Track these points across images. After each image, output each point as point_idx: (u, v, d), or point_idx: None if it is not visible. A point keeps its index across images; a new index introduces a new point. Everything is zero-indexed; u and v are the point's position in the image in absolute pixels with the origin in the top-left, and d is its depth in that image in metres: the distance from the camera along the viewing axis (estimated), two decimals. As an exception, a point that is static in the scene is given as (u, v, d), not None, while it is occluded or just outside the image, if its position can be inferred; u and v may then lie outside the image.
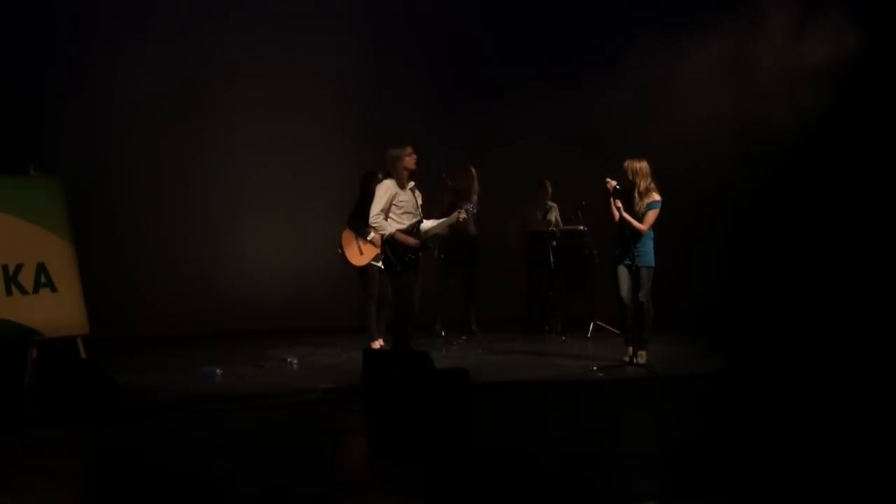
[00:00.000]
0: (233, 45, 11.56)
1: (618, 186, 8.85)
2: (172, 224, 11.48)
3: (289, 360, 9.36)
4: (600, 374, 8.73)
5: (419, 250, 8.51)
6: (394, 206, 8.43)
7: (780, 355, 9.70)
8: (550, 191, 11.54)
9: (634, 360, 8.85)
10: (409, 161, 8.51)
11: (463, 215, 8.74)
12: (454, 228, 9.54)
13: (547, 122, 12.37)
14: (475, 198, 10.65)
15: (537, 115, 12.36)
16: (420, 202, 8.66)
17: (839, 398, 7.67)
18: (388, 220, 8.43)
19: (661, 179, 11.39)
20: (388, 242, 8.40)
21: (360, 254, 9.67)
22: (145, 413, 7.28)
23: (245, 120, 11.71)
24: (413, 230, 8.48)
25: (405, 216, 8.47)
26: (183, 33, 11.33)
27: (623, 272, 9.00)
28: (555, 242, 11.22)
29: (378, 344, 9.72)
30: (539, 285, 11.43)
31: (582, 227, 10.99)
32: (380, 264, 9.42)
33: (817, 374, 8.63)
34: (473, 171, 10.89)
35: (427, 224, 8.63)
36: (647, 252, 8.89)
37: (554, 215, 11.48)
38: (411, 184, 8.59)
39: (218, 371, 8.76)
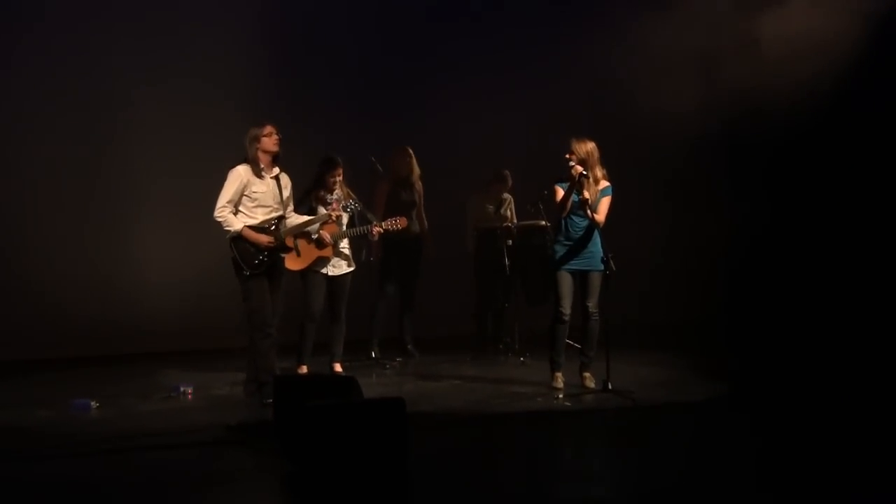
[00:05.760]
0: (126, 41, 11.62)
1: (584, 173, 8.93)
2: (41, 231, 11.43)
3: (182, 389, 9.33)
4: (567, 404, 8.81)
5: (275, 251, 8.65)
6: (245, 198, 8.63)
7: (789, 378, 9.83)
8: (511, 183, 11.62)
9: (608, 385, 8.92)
10: (268, 142, 8.67)
11: (378, 229, 9.47)
12: (394, 230, 9.82)
13: (498, 100, 12.49)
14: (419, 185, 10.85)
15: (486, 91, 12.49)
16: (288, 193, 8.87)
17: (856, 431, 7.77)
18: (239, 214, 8.61)
19: (636, 165, 11.54)
20: (235, 241, 8.59)
21: (298, 255, 9.58)
22: (1, 458, 7.16)
23: (134, 111, 11.70)
24: (270, 227, 8.65)
25: (259, 210, 8.67)
26: (72, 30, 11.40)
27: (567, 279, 9.09)
28: (510, 241, 11.25)
29: (304, 370, 9.73)
30: (492, 294, 11.46)
31: (543, 223, 11.02)
32: (325, 270, 9.60)
33: (831, 404, 8.75)
34: (411, 151, 10.96)
35: (292, 220, 8.87)
36: (599, 252, 8.96)
37: (509, 209, 11.52)
38: (275, 171, 8.76)
39: (93, 404, 8.70)
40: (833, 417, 8.24)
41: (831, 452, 7.18)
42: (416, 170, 11.07)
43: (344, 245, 9.85)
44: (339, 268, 9.84)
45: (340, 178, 9.88)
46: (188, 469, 6.92)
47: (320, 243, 9.60)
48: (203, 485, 6.55)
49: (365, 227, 9.77)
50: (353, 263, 9.97)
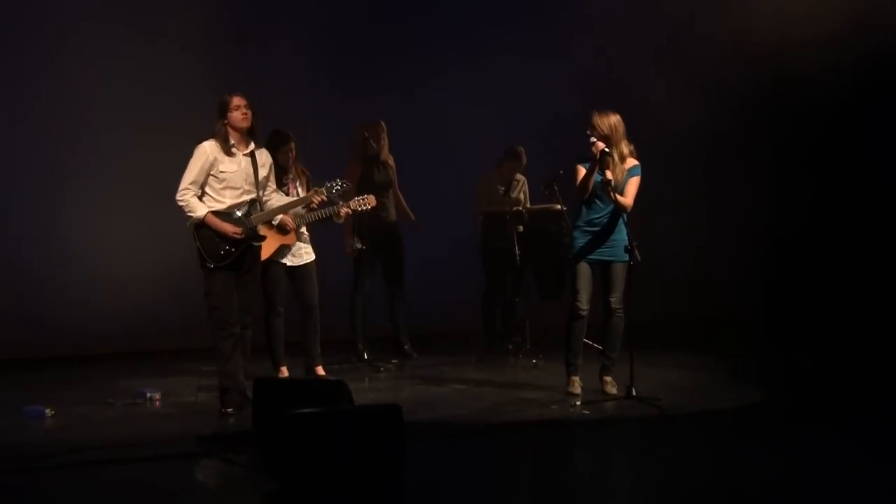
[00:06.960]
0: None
1: (607, 150, 8.86)
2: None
3: (148, 394, 9.34)
4: (585, 412, 8.80)
5: (243, 242, 8.57)
6: (212, 178, 8.56)
7: (835, 383, 9.79)
8: (525, 162, 11.59)
9: (632, 391, 8.90)
10: (236, 117, 8.56)
11: (345, 210, 9.54)
12: (368, 214, 9.98)
13: (511, 67, 12.51)
14: (392, 161, 11.06)
15: (497, 56, 12.51)
16: (266, 173, 8.79)
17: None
18: (205, 196, 8.56)
19: (666, 144, 11.48)
20: (198, 229, 8.53)
21: None
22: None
23: (86, 81, 11.71)
24: (241, 213, 8.59)
25: (227, 192, 8.59)
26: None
27: (586, 271, 9.07)
28: (521, 228, 11.21)
29: (284, 371, 9.71)
30: (500, 287, 11.45)
31: (559, 206, 11.00)
32: (286, 260, 9.56)
33: (885, 410, 8.72)
34: (384, 125, 11.04)
35: (272, 203, 8.83)
36: (624, 240, 8.91)
37: (522, 191, 11.49)
38: (249, 147, 8.68)
39: (47, 412, 8.70)
40: (888, 426, 8.21)
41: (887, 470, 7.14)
42: (386, 146, 11.03)
43: (304, 231, 9.79)
44: (300, 257, 9.80)
45: (293, 154, 9.83)
46: (155, 485, 6.87)
47: (282, 229, 9.50)
48: (172, 503, 6.53)
49: (331, 209, 9.67)
50: (311, 251, 9.92)
